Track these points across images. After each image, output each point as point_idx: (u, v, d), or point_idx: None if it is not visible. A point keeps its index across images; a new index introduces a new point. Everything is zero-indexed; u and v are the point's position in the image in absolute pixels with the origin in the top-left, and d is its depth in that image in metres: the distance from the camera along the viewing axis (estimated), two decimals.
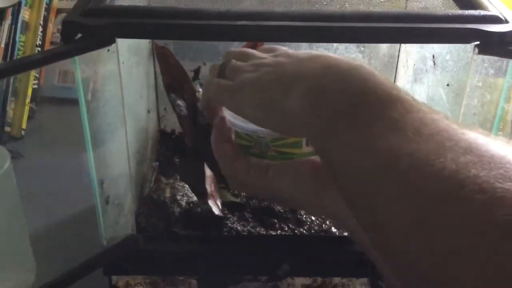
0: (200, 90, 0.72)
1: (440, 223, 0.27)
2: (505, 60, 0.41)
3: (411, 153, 0.30)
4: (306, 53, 0.42)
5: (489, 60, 0.41)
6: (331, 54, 0.42)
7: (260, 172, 0.44)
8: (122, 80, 0.46)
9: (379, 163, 0.31)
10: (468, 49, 0.44)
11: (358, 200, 0.33)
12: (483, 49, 0.40)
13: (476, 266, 0.25)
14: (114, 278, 0.51)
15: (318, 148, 0.38)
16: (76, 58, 0.40)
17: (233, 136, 0.48)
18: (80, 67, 0.42)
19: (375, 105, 0.34)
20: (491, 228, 0.24)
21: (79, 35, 0.40)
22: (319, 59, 0.39)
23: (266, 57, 0.43)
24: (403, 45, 0.65)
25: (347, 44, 0.65)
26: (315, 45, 0.65)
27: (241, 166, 0.45)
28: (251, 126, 0.45)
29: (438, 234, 0.27)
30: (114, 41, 0.41)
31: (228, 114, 0.48)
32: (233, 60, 0.44)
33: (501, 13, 0.42)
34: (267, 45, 0.47)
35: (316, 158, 0.44)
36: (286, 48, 0.45)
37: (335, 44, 0.65)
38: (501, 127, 0.44)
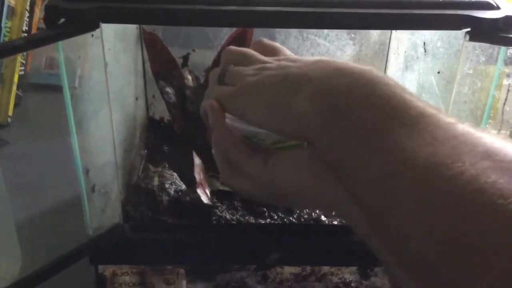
0: (189, 77, 0.71)
1: (460, 229, 0.26)
2: (496, 47, 0.40)
3: (427, 157, 0.29)
4: (310, 58, 0.41)
5: (480, 47, 0.41)
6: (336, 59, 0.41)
7: (259, 160, 0.43)
8: (108, 67, 0.45)
9: (395, 167, 0.30)
10: (459, 35, 0.44)
11: (373, 204, 0.32)
12: (474, 36, 0.40)
13: (499, 271, 0.24)
14: (100, 267, 0.50)
15: (325, 151, 0.37)
16: (60, 43, 0.39)
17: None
18: (64, 52, 0.41)
19: (387, 108, 0.33)
20: None
21: (63, 20, 0.39)
22: (325, 63, 0.39)
23: (268, 61, 0.42)
24: (394, 32, 0.64)
25: (338, 31, 0.64)
26: (305, 31, 0.64)
27: (239, 153, 0.44)
28: (251, 128, 0.44)
29: (458, 240, 0.26)
30: (98, 26, 0.40)
31: (228, 118, 0.47)
32: (232, 66, 0.43)
33: None
34: (266, 40, 0.46)
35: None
36: (288, 51, 0.44)
37: (325, 31, 0.65)
38: (491, 115, 0.43)
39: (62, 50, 0.40)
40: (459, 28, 0.40)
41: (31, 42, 0.38)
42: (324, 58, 0.41)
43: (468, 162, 0.27)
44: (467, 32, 0.40)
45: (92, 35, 0.40)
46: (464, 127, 0.30)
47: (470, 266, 0.25)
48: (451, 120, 0.31)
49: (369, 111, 0.34)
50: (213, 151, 0.46)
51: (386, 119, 0.33)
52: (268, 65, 0.42)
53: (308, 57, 0.41)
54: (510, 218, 0.24)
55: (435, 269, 0.27)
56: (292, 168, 0.43)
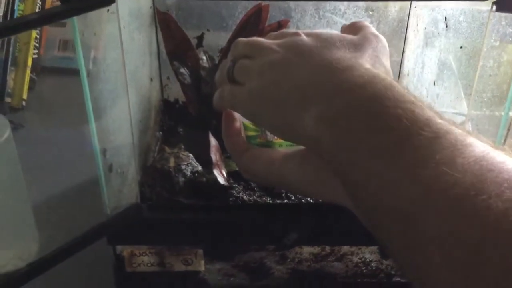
0: (204, 57, 0.70)
1: (493, 271, 0.24)
2: None
3: (447, 189, 0.26)
4: (313, 46, 0.40)
5: (506, 18, 0.39)
6: (345, 40, 0.40)
7: (268, 163, 0.45)
8: (123, 45, 0.44)
9: (412, 203, 0.28)
10: (483, 9, 0.43)
11: (392, 234, 0.30)
12: (501, 7, 0.38)
13: None
14: (118, 247, 0.50)
15: (336, 173, 0.36)
16: (75, 19, 0.38)
17: (242, 129, 0.49)
18: (79, 30, 0.40)
19: (398, 131, 0.30)
20: None
21: None
22: (330, 64, 0.37)
23: (273, 50, 0.41)
24: (413, 8, 0.63)
25: (355, 7, 0.63)
26: (321, 9, 0.63)
27: (250, 157, 0.46)
28: None
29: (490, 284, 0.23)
30: (114, 1, 0.39)
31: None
32: (240, 60, 0.43)
33: None
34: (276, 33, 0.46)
35: None
36: (294, 32, 0.43)
37: (342, 8, 0.63)
38: None
39: (77, 26, 0.40)
40: None
41: (45, 17, 0.37)
42: (332, 46, 0.39)
43: (494, 193, 0.25)
44: (493, 3, 0.39)
45: (108, 10, 0.39)
46: (484, 149, 0.28)
47: None
48: (468, 139, 0.29)
49: (376, 136, 0.31)
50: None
51: (395, 144, 0.30)
52: (272, 57, 0.40)
53: (313, 46, 0.40)
54: None
55: None
56: (298, 166, 0.43)
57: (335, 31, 0.46)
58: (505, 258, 0.23)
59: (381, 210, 0.31)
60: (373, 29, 0.43)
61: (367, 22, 0.45)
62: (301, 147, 0.45)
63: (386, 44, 0.43)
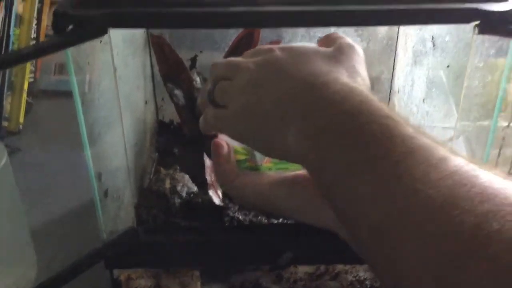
0: (197, 79, 0.71)
1: (465, 286, 0.24)
2: (506, 40, 0.40)
3: (421, 205, 0.27)
4: (288, 62, 0.40)
5: (489, 40, 0.40)
6: (320, 53, 0.41)
7: (257, 188, 0.46)
8: (117, 71, 0.45)
9: (388, 219, 0.29)
10: (468, 29, 0.44)
11: (373, 251, 0.31)
12: (483, 29, 0.39)
13: None
14: (115, 272, 0.50)
15: (320, 189, 0.37)
16: (68, 50, 0.39)
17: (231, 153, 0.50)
18: (73, 59, 0.41)
19: (373, 147, 0.31)
20: None
21: (71, 27, 0.40)
22: (306, 80, 0.38)
23: (250, 69, 0.42)
24: (402, 27, 0.64)
25: (345, 27, 0.64)
26: (312, 30, 0.64)
27: (240, 184, 0.47)
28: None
29: None
30: (106, 32, 0.40)
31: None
32: (220, 82, 0.43)
33: None
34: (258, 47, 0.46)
35: None
36: (268, 48, 0.43)
37: (333, 28, 0.64)
38: (503, 108, 0.43)
39: (71, 56, 0.40)
40: (468, 22, 0.40)
41: (39, 50, 0.38)
42: (305, 60, 0.40)
43: (467, 208, 0.25)
44: (476, 25, 0.40)
45: (101, 41, 0.40)
46: (458, 163, 0.28)
47: None
48: (442, 153, 0.29)
49: (351, 152, 0.32)
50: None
51: (370, 160, 0.31)
52: (250, 76, 0.41)
53: (287, 61, 0.40)
54: None
55: None
56: (287, 195, 0.45)
57: (310, 44, 0.47)
58: (479, 270, 0.24)
59: (360, 225, 0.32)
60: (347, 40, 0.43)
61: (340, 34, 0.45)
62: (290, 173, 0.46)
63: (361, 52, 0.43)
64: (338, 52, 0.41)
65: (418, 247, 0.27)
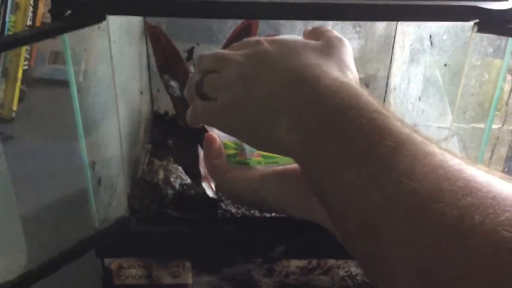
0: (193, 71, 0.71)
1: (448, 278, 0.25)
2: (504, 39, 0.40)
3: (406, 198, 0.28)
4: (278, 55, 0.40)
5: (488, 38, 0.40)
6: (309, 46, 0.41)
7: (247, 183, 0.47)
8: (113, 60, 0.45)
9: (373, 211, 0.29)
10: (466, 28, 0.44)
11: (358, 245, 0.32)
12: (482, 27, 0.39)
13: None
14: (107, 260, 0.50)
15: (309, 181, 0.37)
16: (65, 35, 0.39)
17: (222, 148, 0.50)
18: (70, 45, 0.41)
19: (361, 142, 0.32)
20: (504, 282, 0.23)
21: (69, 12, 0.39)
22: (297, 74, 0.38)
23: (239, 62, 0.41)
24: (399, 25, 0.64)
25: (343, 24, 0.64)
26: (310, 24, 0.64)
27: (230, 178, 0.48)
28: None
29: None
30: (104, 18, 0.39)
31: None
32: (209, 75, 0.43)
33: None
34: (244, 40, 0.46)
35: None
36: (256, 40, 0.43)
37: (330, 23, 0.64)
38: (499, 107, 0.43)
39: (68, 42, 0.40)
40: (467, 20, 0.40)
41: (37, 34, 0.37)
42: (295, 54, 0.40)
43: (450, 201, 0.26)
44: (475, 24, 0.40)
45: (99, 27, 0.40)
46: (443, 158, 0.29)
47: None
48: (428, 148, 0.30)
49: (339, 146, 0.33)
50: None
51: (357, 154, 0.31)
52: (238, 70, 0.41)
53: (276, 53, 0.40)
54: (500, 266, 0.23)
55: None
56: (276, 189, 0.45)
57: (298, 37, 0.47)
58: (460, 262, 0.24)
59: (346, 217, 0.32)
60: (335, 33, 0.44)
61: (328, 27, 0.45)
62: (279, 167, 0.46)
63: (349, 46, 0.43)
64: (327, 46, 0.41)
65: (402, 239, 0.27)
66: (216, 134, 0.50)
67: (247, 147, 0.49)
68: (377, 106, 0.34)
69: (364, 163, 0.31)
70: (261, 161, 0.50)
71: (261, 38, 0.43)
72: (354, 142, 0.32)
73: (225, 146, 0.51)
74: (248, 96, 0.40)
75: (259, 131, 0.40)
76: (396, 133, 0.31)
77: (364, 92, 0.35)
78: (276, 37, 0.44)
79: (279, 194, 0.45)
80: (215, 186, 0.53)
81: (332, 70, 0.38)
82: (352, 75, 0.40)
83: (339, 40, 0.43)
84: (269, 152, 0.45)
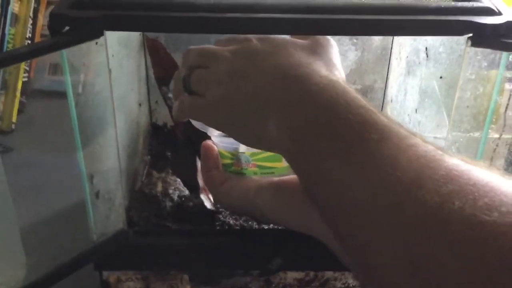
0: None
1: (429, 264, 0.25)
2: (498, 52, 0.40)
3: (390, 188, 0.29)
4: (266, 52, 0.41)
5: (482, 52, 0.41)
6: (298, 45, 0.41)
7: (243, 193, 0.47)
8: (112, 73, 0.45)
9: (362, 200, 0.30)
10: (461, 41, 0.44)
11: (347, 237, 0.32)
12: (476, 42, 0.40)
13: None
14: (105, 273, 0.50)
15: (297, 176, 0.38)
16: (64, 51, 0.39)
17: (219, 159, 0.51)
18: (68, 60, 0.41)
19: (348, 137, 0.33)
20: (483, 265, 0.23)
21: (67, 28, 0.40)
22: (286, 72, 0.38)
23: (228, 58, 0.42)
24: (396, 37, 0.64)
25: (340, 36, 0.65)
26: None
27: (226, 189, 0.48)
28: (231, 141, 0.48)
29: (428, 275, 0.25)
30: (102, 34, 0.40)
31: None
32: (196, 70, 0.44)
33: (494, 5, 0.42)
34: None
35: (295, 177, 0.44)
36: (245, 37, 0.44)
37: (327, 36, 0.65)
38: (494, 120, 0.43)
39: (66, 57, 0.41)
40: (461, 34, 0.41)
41: (35, 50, 0.38)
42: (284, 51, 0.40)
43: (432, 188, 0.26)
44: (469, 38, 0.40)
45: (97, 43, 0.40)
46: (426, 149, 0.30)
47: None
48: (412, 141, 0.31)
49: (328, 142, 0.34)
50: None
51: (345, 149, 0.33)
52: (228, 67, 0.41)
53: (264, 51, 0.41)
54: (480, 250, 0.24)
55: None
56: (272, 200, 0.46)
57: (286, 36, 0.47)
58: (441, 248, 0.25)
59: (335, 214, 0.33)
60: None
61: (335, 42, 0.46)
62: (275, 178, 0.47)
63: (336, 46, 0.44)
64: (316, 45, 0.42)
65: (387, 228, 0.28)
66: (212, 141, 0.51)
67: (243, 157, 0.50)
68: (364, 102, 0.35)
69: (351, 157, 0.32)
70: (257, 172, 0.50)
71: (250, 36, 0.43)
72: (342, 138, 0.33)
73: (221, 155, 0.51)
74: (236, 92, 0.40)
75: (247, 127, 0.40)
76: (382, 126, 0.32)
77: (351, 90, 0.36)
78: (266, 36, 0.44)
79: (275, 205, 0.46)
80: (212, 197, 0.53)
81: (320, 69, 0.39)
82: (339, 74, 0.41)
83: (327, 40, 0.44)
84: (258, 148, 0.45)
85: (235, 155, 0.50)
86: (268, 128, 0.38)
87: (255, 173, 0.50)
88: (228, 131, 0.44)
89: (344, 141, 0.33)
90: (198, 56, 0.45)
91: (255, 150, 0.48)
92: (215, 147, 0.50)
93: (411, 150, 0.30)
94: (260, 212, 0.47)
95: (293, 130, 0.36)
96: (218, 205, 0.59)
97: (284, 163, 0.49)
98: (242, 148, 0.49)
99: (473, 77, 0.41)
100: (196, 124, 0.50)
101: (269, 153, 0.47)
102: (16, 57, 0.37)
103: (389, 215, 0.28)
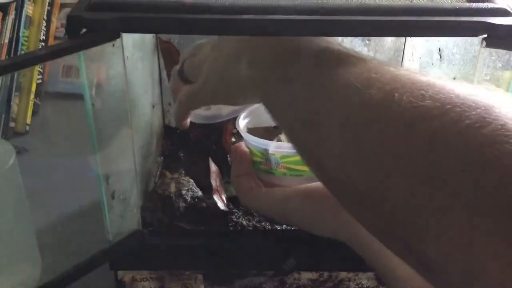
0: None
1: (370, 144, 0.29)
2: None
3: (343, 90, 0.32)
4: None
5: (497, 53, 0.41)
6: None
7: (270, 201, 0.49)
8: (127, 75, 0.46)
9: (320, 106, 0.33)
10: (475, 42, 0.44)
11: (306, 146, 0.35)
12: (491, 42, 0.40)
13: (405, 178, 0.27)
14: (120, 273, 0.51)
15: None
16: (81, 53, 0.40)
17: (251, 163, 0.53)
18: (85, 62, 0.42)
19: (307, 59, 0.36)
20: (414, 142, 0.27)
21: (84, 30, 0.40)
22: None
23: (209, 42, 0.47)
24: (408, 38, 0.64)
25: (353, 37, 0.65)
26: None
27: (255, 195, 0.50)
28: (262, 141, 0.51)
29: (369, 154, 0.29)
30: (119, 36, 0.40)
31: (241, 129, 0.54)
32: (188, 60, 0.49)
33: (509, 6, 0.41)
34: None
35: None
36: None
37: (340, 38, 0.65)
38: None
39: (83, 59, 0.41)
40: (475, 35, 0.40)
41: (54, 52, 0.38)
42: None
43: (376, 87, 0.30)
44: (483, 39, 0.40)
45: (113, 45, 0.41)
46: (378, 64, 0.33)
47: (380, 176, 0.28)
48: (364, 59, 0.34)
49: (297, 65, 0.37)
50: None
51: (309, 70, 0.36)
52: (213, 43, 0.46)
53: None
54: (411, 126, 0.27)
55: (353, 183, 0.30)
56: (300, 206, 0.48)
57: None
58: (383, 132, 0.29)
59: (297, 123, 0.36)
60: None
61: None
62: (301, 186, 0.47)
63: None
64: None
65: (340, 122, 0.32)
66: (244, 139, 0.53)
67: (273, 159, 0.51)
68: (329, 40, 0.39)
69: (312, 76, 0.35)
70: (286, 173, 0.51)
71: None
72: (297, 62, 0.37)
73: (252, 152, 0.53)
74: (219, 55, 0.44)
75: (227, 75, 0.43)
76: (350, 54, 0.36)
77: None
78: None
79: (302, 213, 0.48)
80: (240, 200, 0.54)
81: None
82: None
83: None
84: (234, 97, 0.46)
85: (265, 155, 0.51)
86: (241, 69, 0.41)
87: (284, 174, 0.51)
88: (220, 97, 0.47)
89: (303, 64, 0.36)
90: (189, 50, 0.50)
91: (285, 153, 0.49)
92: (248, 153, 0.52)
93: (363, 64, 0.33)
94: (288, 220, 0.50)
95: (259, 64, 0.40)
96: (231, 206, 0.59)
97: None
98: (272, 149, 0.50)
99: (487, 78, 0.41)
100: (198, 118, 0.52)
101: (298, 157, 0.48)
102: (35, 59, 0.37)
103: (342, 112, 0.32)
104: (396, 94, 0.29)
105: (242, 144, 0.54)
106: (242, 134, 0.53)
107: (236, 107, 0.56)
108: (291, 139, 0.38)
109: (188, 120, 0.55)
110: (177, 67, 0.50)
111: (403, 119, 0.28)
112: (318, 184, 0.47)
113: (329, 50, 0.36)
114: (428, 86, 0.29)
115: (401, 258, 0.30)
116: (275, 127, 0.61)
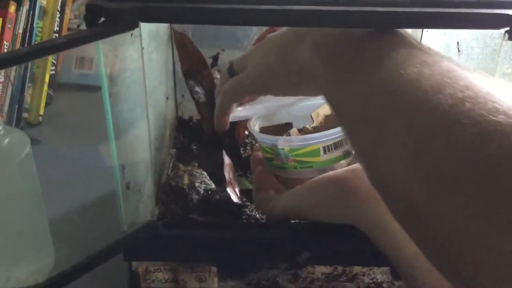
0: (218, 76, 0.71)
1: (434, 157, 0.27)
2: None
3: (412, 91, 0.30)
4: None
5: None
6: None
7: (290, 209, 0.50)
8: (144, 65, 0.46)
9: (383, 104, 0.32)
10: (495, 35, 0.43)
11: (364, 146, 0.34)
12: None
13: (467, 200, 0.25)
14: (134, 264, 0.51)
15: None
16: (99, 42, 0.40)
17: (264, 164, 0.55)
18: (103, 51, 0.42)
19: (377, 52, 0.35)
20: (482, 160, 0.25)
21: (102, 19, 0.40)
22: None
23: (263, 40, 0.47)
24: (425, 32, 0.64)
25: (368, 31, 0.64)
26: None
27: (274, 207, 0.51)
28: (271, 137, 0.53)
29: (432, 169, 0.27)
30: (137, 25, 0.40)
31: (252, 129, 0.56)
32: (237, 58, 0.50)
33: None
34: None
35: (339, 174, 0.48)
36: None
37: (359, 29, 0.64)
38: None
39: (101, 49, 0.41)
40: (497, 28, 0.40)
41: (72, 41, 0.38)
42: None
43: (448, 93, 0.28)
44: (506, 31, 0.39)
45: (132, 34, 0.40)
46: (450, 64, 0.32)
47: (442, 194, 0.27)
48: (438, 58, 0.33)
49: (358, 56, 0.36)
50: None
51: (375, 61, 0.34)
52: (265, 40, 0.47)
53: None
54: (480, 144, 0.25)
55: (412, 196, 0.28)
56: (310, 198, 0.49)
57: None
58: (448, 145, 0.27)
59: (357, 121, 0.35)
60: None
61: None
62: (320, 176, 0.48)
63: None
64: None
65: (403, 126, 0.30)
66: (255, 136, 0.54)
67: (282, 153, 0.52)
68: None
69: (374, 70, 0.34)
70: (297, 166, 0.52)
71: None
72: (365, 52, 0.36)
73: (263, 150, 0.54)
74: (270, 41, 0.45)
75: (287, 55, 0.43)
76: (407, 44, 0.35)
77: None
78: None
79: (312, 202, 0.49)
80: (261, 212, 0.56)
81: None
82: None
83: None
84: (295, 88, 0.46)
85: (275, 151, 0.51)
86: (301, 50, 0.41)
87: (295, 167, 0.51)
88: (269, 83, 0.46)
89: (367, 55, 0.35)
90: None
91: (292, 146, 0.49)
92: (270, 174, 0.55)
93: (436, 64, 0.32)
94: (301, 214, 0.51)
95: (322, 50, 0.39)
96: (245, 199, 0.59)
97: (322, 157, 0.50)
98: (280, 143, 0.51)
99: (509, 70, 0.41)
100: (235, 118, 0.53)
101: (306, 149, 0.49)
102: (54, 47, 0.37)
103: (406, 115, 0.30)
104: (467, 104, 0.27)
105: (259, 154, 0.56)
106: (254, 133, 0.55)
107: (273, 103, 0.56)
108: (349, 135, 0.37)
109: (229, 119, 0.55)
110: (227, 67, 0.51)
111: (471, 133, 0.26)
112: (339, 171, 0.48)
113: (398, 43, 0.35)
114: (504, 100, 0.27)
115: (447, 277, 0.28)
116: (286, 124, 0.61)
